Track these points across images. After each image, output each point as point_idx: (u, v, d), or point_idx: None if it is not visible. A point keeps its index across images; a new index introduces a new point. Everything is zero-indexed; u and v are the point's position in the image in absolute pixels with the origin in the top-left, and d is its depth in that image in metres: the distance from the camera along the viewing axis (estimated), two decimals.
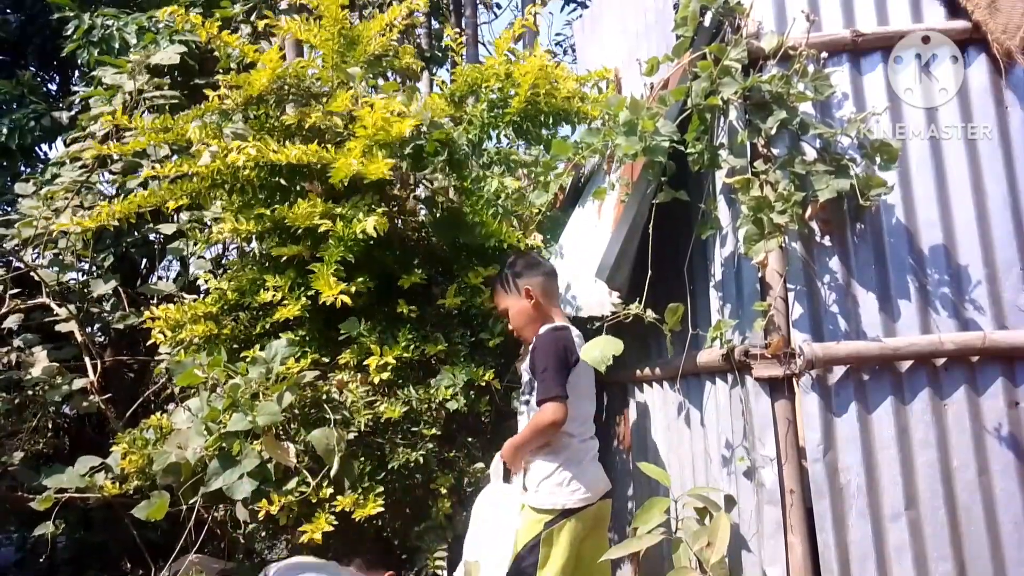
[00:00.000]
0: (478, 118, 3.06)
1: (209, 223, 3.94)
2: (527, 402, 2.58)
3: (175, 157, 3.16)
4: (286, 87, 2.87)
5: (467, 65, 3.21)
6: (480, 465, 2.90)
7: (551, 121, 3.12)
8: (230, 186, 2.82)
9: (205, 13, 4.04)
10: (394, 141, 2.67)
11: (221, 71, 3.14)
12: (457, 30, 4.17)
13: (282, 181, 2.83)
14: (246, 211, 2.87)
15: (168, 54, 4.53)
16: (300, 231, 2.69)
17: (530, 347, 2.54)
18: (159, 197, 2.83)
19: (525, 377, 2.60)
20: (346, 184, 2.81)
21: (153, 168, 2.84)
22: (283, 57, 4.19)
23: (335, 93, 2.88)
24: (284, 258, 2.74)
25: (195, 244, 4.19)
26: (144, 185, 4.04)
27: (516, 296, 2.61)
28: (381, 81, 3.40)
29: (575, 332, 2.60)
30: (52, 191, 4.29)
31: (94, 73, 4.72)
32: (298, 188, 2.89)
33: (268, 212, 2.78)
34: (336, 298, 2.47)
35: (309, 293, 2.73)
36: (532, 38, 6.15)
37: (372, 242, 2.66)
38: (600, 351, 2.31)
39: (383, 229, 2.61)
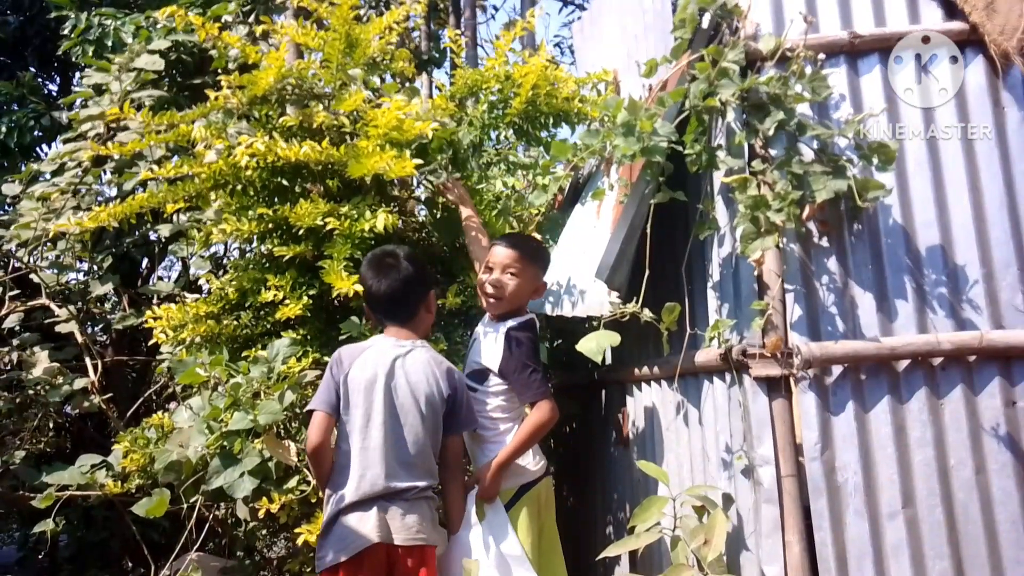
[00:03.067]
0: (478, 119, 3.07)
1: (206, 222, 3.95)
2: (473, 390, 2.54)
3: (175, 158, 3.16)
4: (289, 87, 2.88)
5: (467, 67, 3.22)
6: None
7: (551, 122, 3.14)
8: (231, 186, 2.84)
9: (203, 14, 4.04)
10: (405, 141, 2.68)
11: (218, 71, 3.15)
12: (458, 32, 4.18)
13: (284, 182, 2.84)
14: (247, 211, 2.88)
15: (152, 58, 4.52)
16: (302, 231, 2.71)
17: (503, 340, 2.52)
18: (159, 199, 2.84)
19: (479, 366, 2.57)
20: (346, 184, 2.83)
21: (151, 169, 2.85)
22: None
23: (338, 94, 2.89)
24: (286, 258, 2.75)
25: (194, 244, 4.20)
26: (143, 185, 4.05)
27: (533, 282, 2.63)
28: (377, 80, 3.41)
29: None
30: (47, 192, 4.30)
31: (83, 74, 4.73)
32: (299, 189, 2.90)
33: (270, 212, 2.79)
34: (351, 289, 2.49)
35: (311, 292, 2.74)
36: (531, 40, 6.16)
37: (374, 242, 2.67)
38: (596, 343, 2.36)
39: (393, 226, 2.64)
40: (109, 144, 3.13)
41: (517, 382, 2.49)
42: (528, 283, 2.61)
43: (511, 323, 2.57)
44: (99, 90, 4.56)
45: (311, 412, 2.27)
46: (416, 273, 2.42)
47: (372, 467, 2.20)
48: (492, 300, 2.59)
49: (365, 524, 2.17)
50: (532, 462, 2.55)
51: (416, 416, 2.27)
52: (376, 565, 2.16)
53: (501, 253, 2.60)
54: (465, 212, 2.89)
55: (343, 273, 2.52)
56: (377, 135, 2.66)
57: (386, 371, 2.28)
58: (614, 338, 2.35)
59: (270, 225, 2.84)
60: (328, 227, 2.63)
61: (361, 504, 2.18)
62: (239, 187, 2.84)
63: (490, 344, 2.57)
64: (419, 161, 2.62)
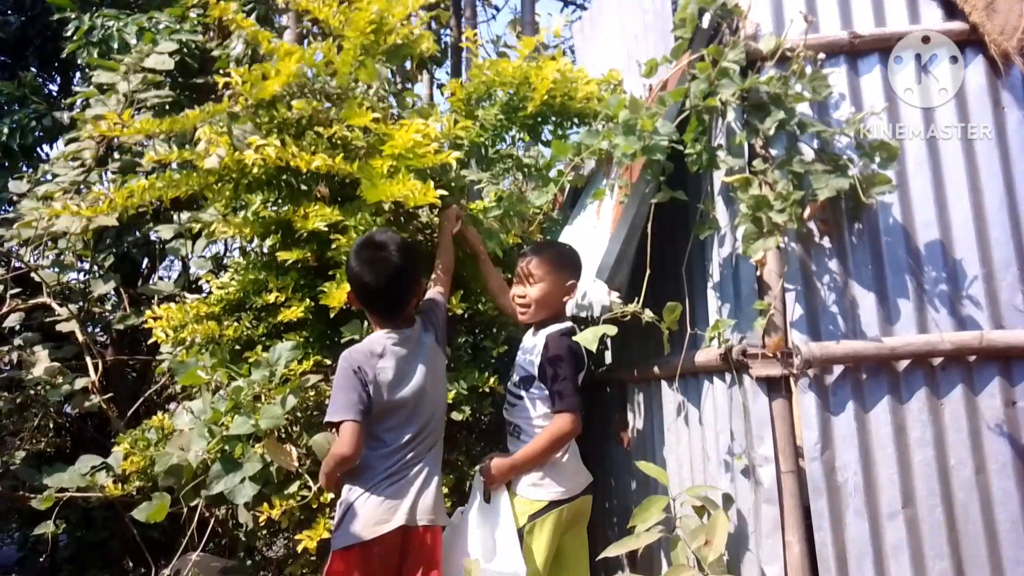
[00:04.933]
0: (490, 122, 3.05)
1: (211, 222, 3.93)
2: (520, 397, 2.58)
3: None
4: (298, 88, 2.82)
5: (485, 60, 3.16)
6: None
7: (567, 124, 3.12)
8: (236, 182, 2.80)
9: (204, 14, 4.04)
10: (420, 167, 2.59)
11: (220, 71, 3.10)
12: (475, 32, 4.15)
13: (291, 179, 2.80)
14: (251, 206, 2.86)
15: (162, 58, 4.53)
16: (305, 234, 2.69)
17: (543, 345, 2.55)
18: (160, 191, 2.78)
19: (525, 372, 2.60)
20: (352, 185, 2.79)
21: (155, 151, 2.80)
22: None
23: (349, 100, 2.80)
24: (288, 261, 2.74)
25: (195, 242, 4.20)
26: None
27: (559, 285, 2.62)
28: (389, 72, 3.32)
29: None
30: (50, 191, 4.31)
31: (91, 74, 4.73)
32: (304, 187, 2.86)
33: (272, 214, 2.77)
34: (343, 300, 2.48)
35: (312, 295, 2.73)
36: (531, 33, 6.15)
37: None
38: (592, 333, 2.36)
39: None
40: (109, 124, 3.06)
41: (550, 390, 2.51)
42: (554, 287, 2.61)
43: (551, 329, 2.59)
44: (102, 89, 4.56)
45: (339, 423, 2.21)
46: (408, 265, 2.37)
47: (406, 468, 2.27)
48: (521, 310, 2.65)
49: (391, 509, 2.23)
50: (554, 482, 2.50)
51: (432, 402, 2.37)
52: (391, 547, 2.22)
53: (523, 262, 2.65)
54: (474, 249, 2.82)
55: (339, 292, 2.50)
56: (392, 154, 2.55)
57: (404, 371, 2.33)
58: (610, 329, 2.36)
59: (272, 226, 2.82)
60: (334, 244, 2.61)
61: (391, 496, 2.24)
62: (244, 182, 2.79)
63: (532, 350, 2.59)
64: (444, 192, 2.49)
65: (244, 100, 2.76)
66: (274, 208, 2.83)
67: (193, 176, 2.76)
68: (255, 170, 2.69)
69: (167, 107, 4.44)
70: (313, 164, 2.58)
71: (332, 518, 2.45)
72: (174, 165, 3.01)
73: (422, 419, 2.33)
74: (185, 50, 4.71)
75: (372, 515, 2.21)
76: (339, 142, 2.74)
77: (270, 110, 2.79)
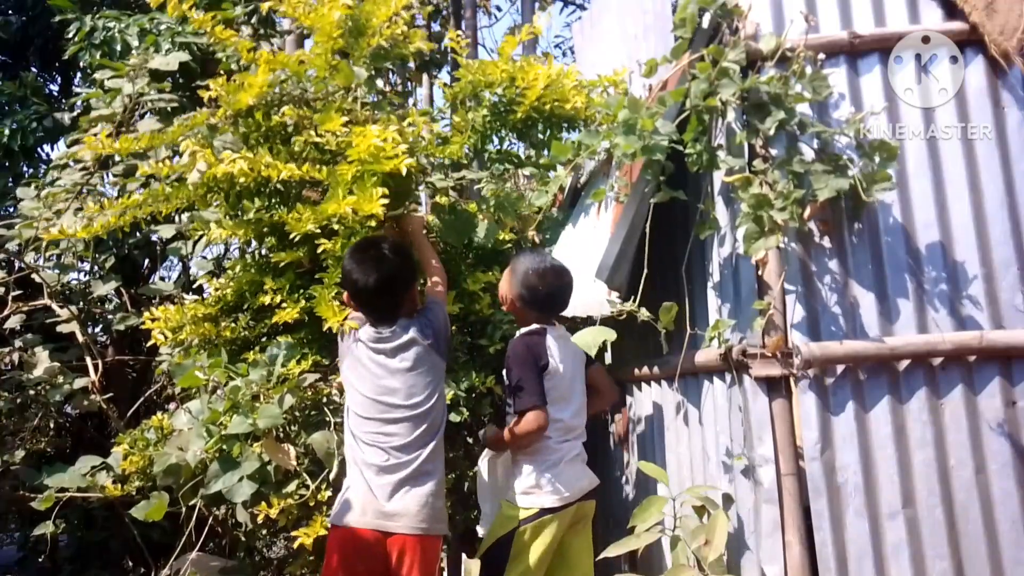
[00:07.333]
0: (479, 124, 3.04)
1: (210, 224, 3.93)
2: (510, 405, 2.60)
3: (177, 159, 3.12)
4: (279, 93, 2.81)
5: (474, 61, 3.13)
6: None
7: (557, 128, 3.11)
8: (226, 192, 2.80)
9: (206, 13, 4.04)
10: (380, 172, 2.55)
11: (222, 73, 3.11)
12: (459, 32, 4.13)
13: (279, 186, 2.80)
14: (244, 213, 2.86)
15: (168, 59, 4.54)
16: (298, 236, 2.68)
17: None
18: (152, 207, 2.78)
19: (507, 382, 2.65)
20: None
21: (151, 166, 2.81)
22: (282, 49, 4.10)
23: (329, 102, 2.80)
24: (282, 263, 2.73)
25: (194, 245, 4.20)
26: (145, 185, 4.05)
27: (506, 290, 2.70)
28: (380, 82, 3.35)
29: (556, 333, 2.63)
30: (53, 193, 4.31)
31: (95, 76, 4.73)
32: (294, 192, 2.86)
33: (266, 216, 2.77)
34: (339, 323, 2.46)
35: (308, 295, 2.73)
36: (532, 44, 6.13)
37: None
38: (592, 336, 2.36)
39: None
40: (103, 141, 3.07)
41: (512, 394, 2.54)
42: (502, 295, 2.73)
43: (515, 335, 2.64)
44: (104, 89, 4.56)
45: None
46: (401, 268, 2.42)
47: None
48: None
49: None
50: (545, 491, 2.50)
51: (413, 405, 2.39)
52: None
53: None
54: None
55: (335, 305, 2.48)
56: (357, 159, 2.53)
57: (379, 372, 2.40)
58: (610, 334, 2.35)
59: (265, 228, 2.82)
60: (320, 248, 2.59)
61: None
62: (234, 191, 2.79)
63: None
64: (385, 202, 2.45)
65: (224, 111, 2.76)
66: (267, 212, 2.82)
67: (183, 189, 2.76)
68: (242, 179, 2.68)
69: (170, 110, 4.44)
70: (283, 173, 2.57)
71: (328, 516, 2.45)
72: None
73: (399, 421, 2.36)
74: (188, 51, 4.72)
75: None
76: (324, 146, 2.74)
77: (248, 119, 2.78)
